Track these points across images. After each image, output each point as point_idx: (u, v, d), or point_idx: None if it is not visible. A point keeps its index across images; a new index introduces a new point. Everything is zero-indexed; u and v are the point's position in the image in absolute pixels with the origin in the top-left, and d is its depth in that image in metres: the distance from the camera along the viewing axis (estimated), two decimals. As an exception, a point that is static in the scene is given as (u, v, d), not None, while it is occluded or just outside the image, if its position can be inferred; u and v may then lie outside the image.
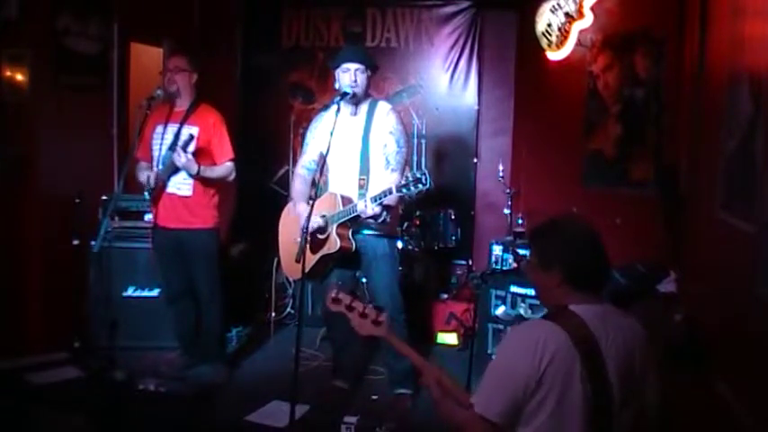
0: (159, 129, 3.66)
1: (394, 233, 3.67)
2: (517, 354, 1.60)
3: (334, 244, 3.29)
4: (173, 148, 3.51)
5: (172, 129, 3.63)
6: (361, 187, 3.34)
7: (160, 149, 3.62)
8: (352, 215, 3.23)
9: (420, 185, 2.90)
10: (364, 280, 3.97)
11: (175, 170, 3.58)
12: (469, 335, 4.13)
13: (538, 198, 4.86)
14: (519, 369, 1.57)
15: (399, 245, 4.38)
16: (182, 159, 3.47)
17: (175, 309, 3.83)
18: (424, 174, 2.91)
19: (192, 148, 3.52)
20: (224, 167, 3.70)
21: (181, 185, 3.63)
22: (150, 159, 3.71)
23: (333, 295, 2.12)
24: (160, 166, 3.62)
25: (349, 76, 3.36)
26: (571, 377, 1.56)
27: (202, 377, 3.72)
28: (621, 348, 1.63)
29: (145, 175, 3.66)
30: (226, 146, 3.70)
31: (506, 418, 1.57)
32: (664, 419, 1.74)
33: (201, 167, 3.55)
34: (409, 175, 2.95)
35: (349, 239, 3.33)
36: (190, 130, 3.60)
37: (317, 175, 3.46)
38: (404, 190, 2.95)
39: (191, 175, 3.57)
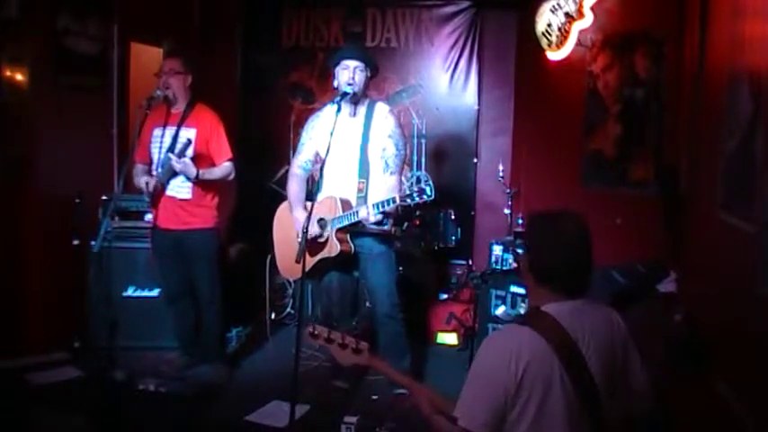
0: (157, 132, 3.66)
1: (391, 232, 3.67)
2: (493, 362, 1.58)
3: (334, 248, 3.29)
4: (171, 150, 3.52)
5: (170, 132, 3.63)
6: (360, 191, 3.33)
7: (159, 152, 3.62)
8: (354, 221, 3.22)
9: (425, 196, 2.89)
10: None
11: (174, 173, 3.58)
12: (469, 335, 4.13)
13: (538, 198, 4.85)
14: (496, 377, 1.56)
15: (397, 244, 4.38)
16: (179, 166, 3.47)
17: (175, 309, 3.83)
18: (429, 185, 2.89)
19: (189, 152, 3.52)
20: (223, 168, 3.70)
21: (180, 189, 3.63)
22: (149, 162, 3.71)
23: (310, 330, 2.10)
24: (159, 170, 3.62)
25: (348, 73, 3.34)
26: (551, 381, 1.55)
27: (202, 377, 3.72)
28: (600, 340, 1.62)
29: (143, 181, 3.66)
30: (224, 146, 3.70)
31: (491, 428, 1.56)
32: (660, 407, 1.73)
33: (200, 171, 3.55)
34: (414, 183, 2.93)
35: (348, 243, 3.33)
36: (187, 132, 3.60)
37: (316, 173, 3.45)
38: (408, 200, 2.93)
39: (189, 179, 3.57)
